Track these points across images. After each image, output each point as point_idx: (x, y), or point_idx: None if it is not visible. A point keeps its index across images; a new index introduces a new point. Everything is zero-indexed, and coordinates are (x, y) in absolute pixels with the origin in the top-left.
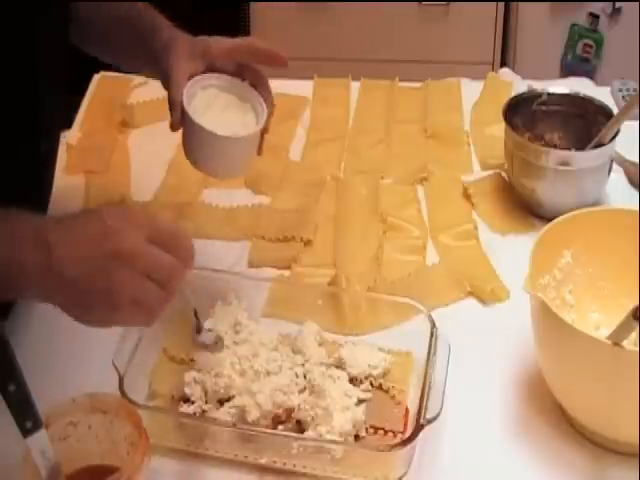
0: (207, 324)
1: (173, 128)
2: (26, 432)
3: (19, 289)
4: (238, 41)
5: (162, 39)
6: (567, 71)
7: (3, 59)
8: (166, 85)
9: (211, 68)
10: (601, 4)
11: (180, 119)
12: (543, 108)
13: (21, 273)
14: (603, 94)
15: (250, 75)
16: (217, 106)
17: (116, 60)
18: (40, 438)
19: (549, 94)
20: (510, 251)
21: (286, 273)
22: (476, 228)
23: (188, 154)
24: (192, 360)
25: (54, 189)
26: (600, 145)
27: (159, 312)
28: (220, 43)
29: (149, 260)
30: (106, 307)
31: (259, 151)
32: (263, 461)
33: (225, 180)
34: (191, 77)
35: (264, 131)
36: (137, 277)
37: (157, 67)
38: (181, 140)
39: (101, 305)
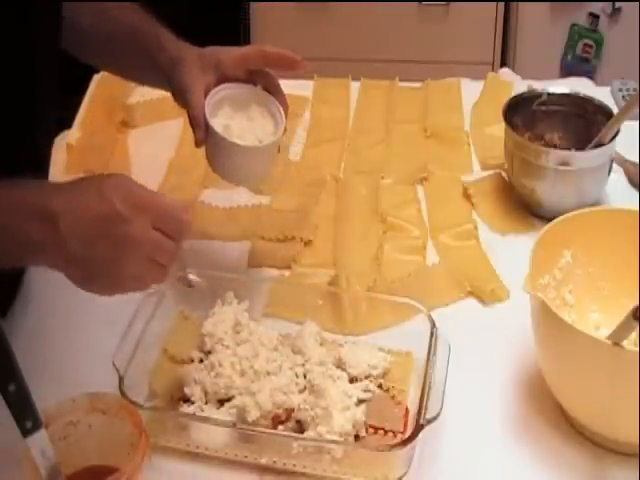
0: (207, 324)
1: (198, 145)
2: (26, 432)
3: (25, 259)
4: (248, 49)
5: (169, 53)
6: (567, 71)
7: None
8: (181, 101)
9: (223, 78)
10: (601, 4)
11: (204, 135)
12: (543, 108)
13: (27, 244)
14: (603, 94)
15: (262, 80)
16: (238, 117)
17: (120, 73)
18: (40, 438)
19: (549, 94)
20: (510, 251)
21: (286, 273)
22: (476, 228)
23: (215, 167)
24: (192, 360)
25: None
26: (600, 145)
27: (159, 283)
28: (230, 53)
29: (154, 246)
30: (108, 282)
31: (278, 150)
32: (263, 461)
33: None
34: (207, 90)
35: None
36: (140, 259)
37: (164, 81)
38: (192, 146)
39: (104, 279)
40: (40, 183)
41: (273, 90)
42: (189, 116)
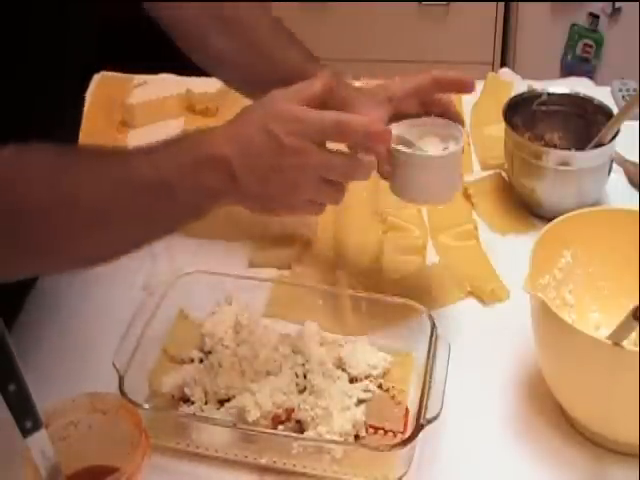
0: (207, 324)
1: (384, 176)
2: (26, 432)
3: (201, 208)
4: (419, 79)
5: (338, 95)
6: (567, 71)
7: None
8: None
9: (396, 113)
10: (601, 4)
11: (389, 168)
12: (543, 108)
13: (204, 194)
14: (603, 94)
15: (439, 108)
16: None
17: None
18: (40, 438)
19: (549, 94)
20: (510, 251)
21: (286, 273)
22: (476, 228)
23: (404, 191)
24: (192, 360)
25: None
26: (600, 145)
27: (337, 203)
28: (402, 85)
29: (326, 167)
30: (285, 208)
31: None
32: (263, 461)
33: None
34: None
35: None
36: (314, 183)
37: None
38: None
39: (281, 207)
40: (201, 132)
41: (449, 114)
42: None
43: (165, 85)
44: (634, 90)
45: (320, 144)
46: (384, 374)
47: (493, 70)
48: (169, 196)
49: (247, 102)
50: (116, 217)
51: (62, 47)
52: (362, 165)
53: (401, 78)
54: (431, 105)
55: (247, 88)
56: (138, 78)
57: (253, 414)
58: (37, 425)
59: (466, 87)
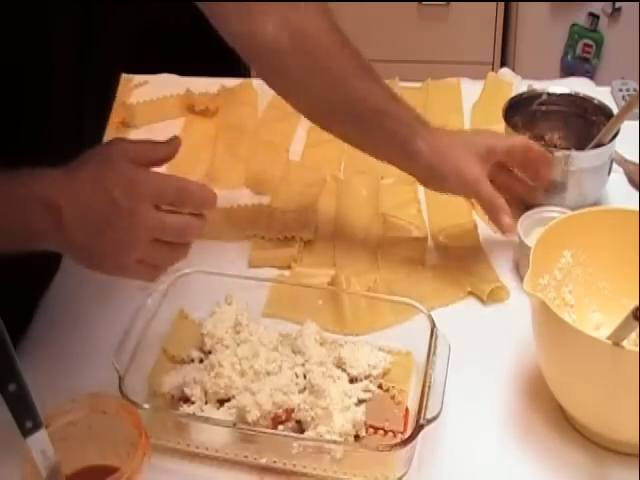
0: (207, 324)
1: (506, 230)
2: (26, 432)
3: (29, 245)
4: (515, 140)
5: (426, 141)
6: (567, 71)
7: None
8: (458, 189)
9: (492, 166)
10: (601, 4)
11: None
12: (543, 108)
13: (30, 233)
14: (603, 94)
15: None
16: None
17: (360, 148)
18: (40, 438)
19: (549, 94)
20: (510, 251)
21: (286, 273)
22: (476, 228)
23: None
24: (192, 360)
25: None
26: (600, 145)
27: (165, 270)
28: (501, 142)
29: (159, 228)
30: (114, 267)
31: None
32: (263, 461)
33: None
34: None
35: None
36: (145, 243)
37: (414, 165)
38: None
39: (111, 265)
40: (42, 172)
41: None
42: (486, 206)
43: (165, 85)
44: (634, 90)
45: (156, 206)
46: (384, 374)
47: (493, 70)
48: (5, 218)
49: (246, 104)
50: None
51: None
52: (196, 225)
53: (491, 133)
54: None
55: (314, 116)
56: (138, 78)
57: (253, 414)
58: (37, 425)
59: (544, 164)
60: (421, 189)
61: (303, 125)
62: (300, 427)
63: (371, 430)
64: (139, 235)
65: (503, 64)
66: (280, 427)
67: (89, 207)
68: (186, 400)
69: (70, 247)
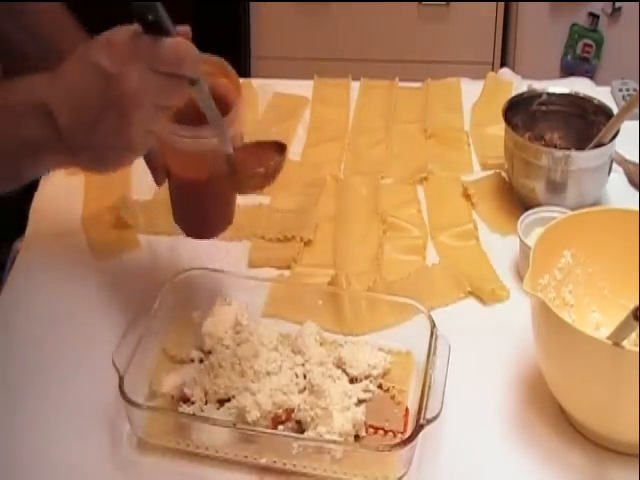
0: (207, 324)
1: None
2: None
3: (35, 166)
4: None
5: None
6: (567, 71)
7: None
8: None
9: None
10: (601, 4)
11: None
12: (543, 108)
13: (32, 151)
14: (603, 94)
15: None
16: None
17: None
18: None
19: (549, 94)
20: (510, 251)
21: (286, 273)
22: (476, 228)
23: None
24: (192, 360)
25: (54, 190)
26: (600, 145)
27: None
28: None
29: (157, 91)
30: (122, 152)
31: None
32: (263, 461)
33: None
34: None
35: None
36: (148, 112)
37: None
38: None
39: (117, 152)
40: (29, 77)
41: None
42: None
43: None
44: (634, 90)
45: (151, 68)
46: (384, 374)
47: (493, 70)
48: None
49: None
50: None
51: None
52: (192, 50)
53: None
54: None
55: None
56: None
57: (253, 414)
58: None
59: None
60: (421, 189)
61: (303, 125)
62: (300, 427)
63: (371, 430)
64: (138, 101)
65: (503, 64)
66: (280, 427)
67: (81, 93)
68: (186, 400)
69: (71, 150)
